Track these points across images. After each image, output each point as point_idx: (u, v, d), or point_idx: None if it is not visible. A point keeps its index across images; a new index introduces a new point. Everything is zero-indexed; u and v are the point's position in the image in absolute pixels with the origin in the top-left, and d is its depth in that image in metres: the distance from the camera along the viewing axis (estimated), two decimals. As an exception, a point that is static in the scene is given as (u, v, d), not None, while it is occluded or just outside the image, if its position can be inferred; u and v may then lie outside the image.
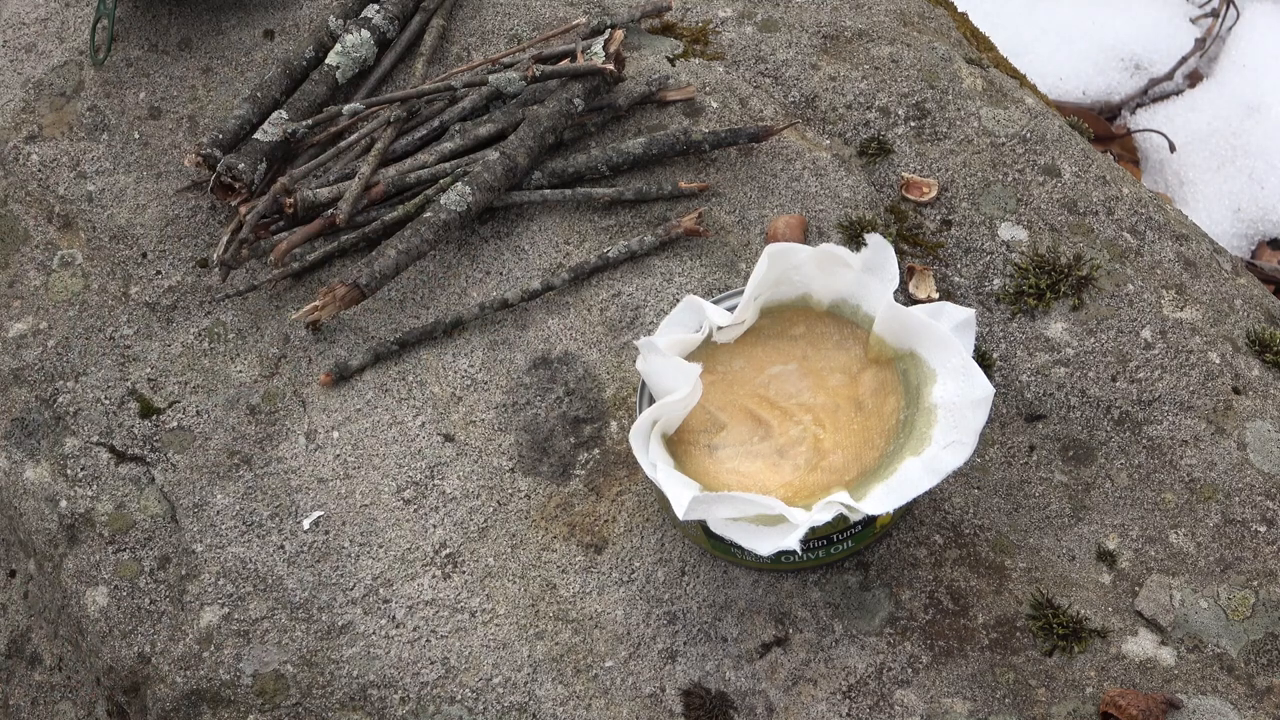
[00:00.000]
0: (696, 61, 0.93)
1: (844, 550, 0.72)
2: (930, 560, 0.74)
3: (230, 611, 0.74)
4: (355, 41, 0.93)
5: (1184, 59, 1.58)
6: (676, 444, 0.71)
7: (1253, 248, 1.45)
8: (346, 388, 0.81)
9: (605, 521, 0.75)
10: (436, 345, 0.82)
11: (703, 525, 0.70)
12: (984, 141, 0.89)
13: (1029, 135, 0.89)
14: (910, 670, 0.71)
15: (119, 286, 0.86)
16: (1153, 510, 0.76)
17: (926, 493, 0.67)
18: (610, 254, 0.83)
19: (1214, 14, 1.62)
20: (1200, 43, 1.60)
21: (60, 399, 0.82)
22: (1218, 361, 0.80)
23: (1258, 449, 0.77)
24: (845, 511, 0.65)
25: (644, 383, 0.73)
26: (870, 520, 0.70)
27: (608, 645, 0.72)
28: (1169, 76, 1.58)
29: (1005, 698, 0.70)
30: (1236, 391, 0.79)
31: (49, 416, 0.81)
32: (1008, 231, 0.85)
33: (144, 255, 0.88)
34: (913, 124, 0.90)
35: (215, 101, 0.94)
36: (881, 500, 0.66)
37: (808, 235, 0.84)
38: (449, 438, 0.79)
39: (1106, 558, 0.75)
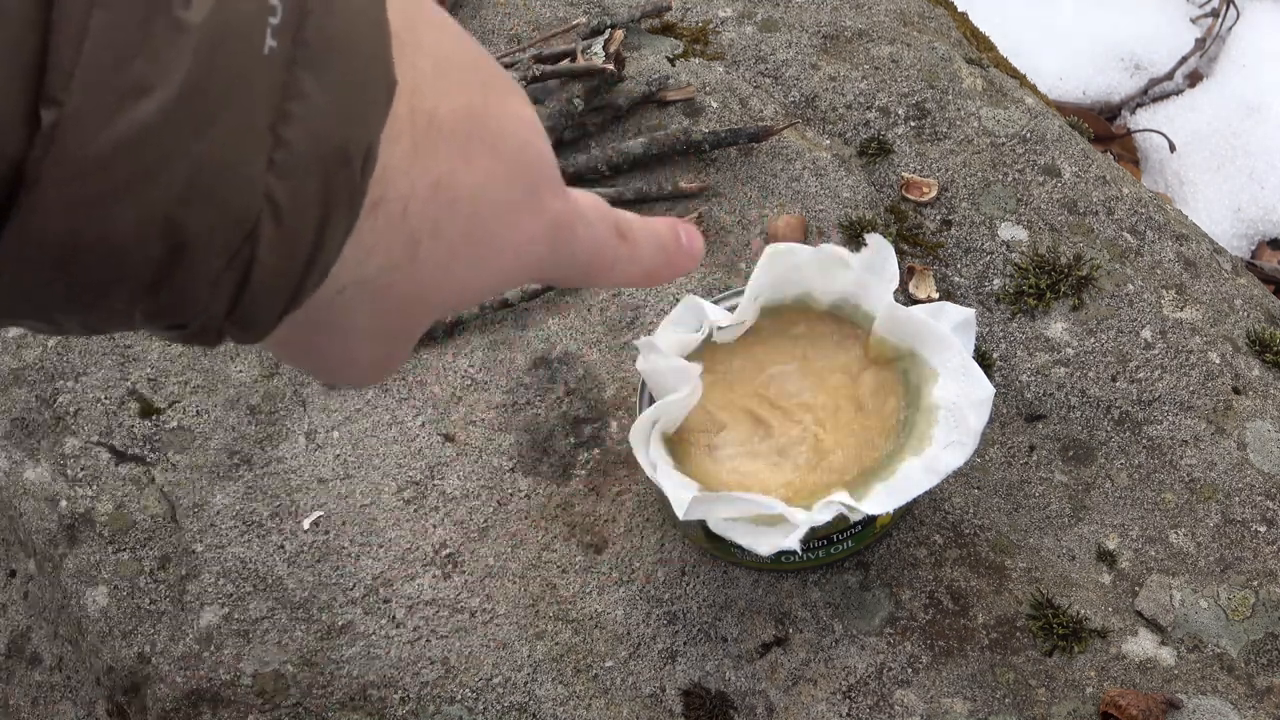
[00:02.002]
0: (696, 61, 0.93)
1: (844, 550, 0.72)
2: (930, 560, 0.74)
3: (230, 611, 0.74)
4: (355, 41, 0.93)
5: (1184, 59, 1.58)
6: (676, 444, 0.71)
7: (1253, 248, 1.45)
8: (346, 387, 0.81)
9: (605, 521, 0.75)
10: (436, 345, 0.82)
11: (703, 525, 0.70)
12: (984, 141, 0.89)
13: (1029, 135, 0.89)
14: (910, 670, 0.71)
15: (119, 286, 0.86)
16: (1153, 510, 0.76)
17: (926, 493, 0.67)
18: (610, 254, 0.83)
19: (1214, 14, 1.62)
20: (1200, 43, 1.60)
21: (60, 399, 0.82)
22: (1218, 361, 0.80)
23: (1258, 449, 0.77)
24: (845, 511, 0.65)
25: (644, 383, 0.73)
26: (870, 520, 0.70)
27: (608, 645, 0.72)
28: (1169, 76, 1.58)
29: (1005, 698, 0.70)
30: (1236, 391, 0.79)
31: (49, 416, 0.81)
32: (1008, 231, 0.85)
33: (144, 255, 0.87)
34: (913, 124, 0.90)
35: (215, 101, 0.94)
36: (882, 500, 0.66)
37: (808, 235, 0.84)
38: (449, 438, 0.79)
39: (1106, 558, 0.75)
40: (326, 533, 0.76)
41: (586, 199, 0.43)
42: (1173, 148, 1.50)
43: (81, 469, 0.79)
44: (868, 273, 0.73)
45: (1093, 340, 0.81)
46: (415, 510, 0.76)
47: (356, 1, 0.32)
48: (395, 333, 0.38)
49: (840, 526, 0.70)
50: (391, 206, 0.34)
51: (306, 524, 0.76)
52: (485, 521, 0.76)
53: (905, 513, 0.75)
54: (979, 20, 1.08)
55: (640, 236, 0.45)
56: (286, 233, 0.31)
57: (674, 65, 0.93)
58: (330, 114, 0.31)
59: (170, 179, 0.29)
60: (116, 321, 0.31)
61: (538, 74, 0.88)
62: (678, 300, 0.77)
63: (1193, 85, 1.58)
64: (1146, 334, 0.81)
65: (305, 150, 0.31)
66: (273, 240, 0.31)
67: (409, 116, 0.34)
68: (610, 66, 0.87)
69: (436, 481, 0.77)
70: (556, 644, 0.72)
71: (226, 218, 0.30)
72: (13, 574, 0.83)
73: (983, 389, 0.68)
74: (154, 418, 0.81)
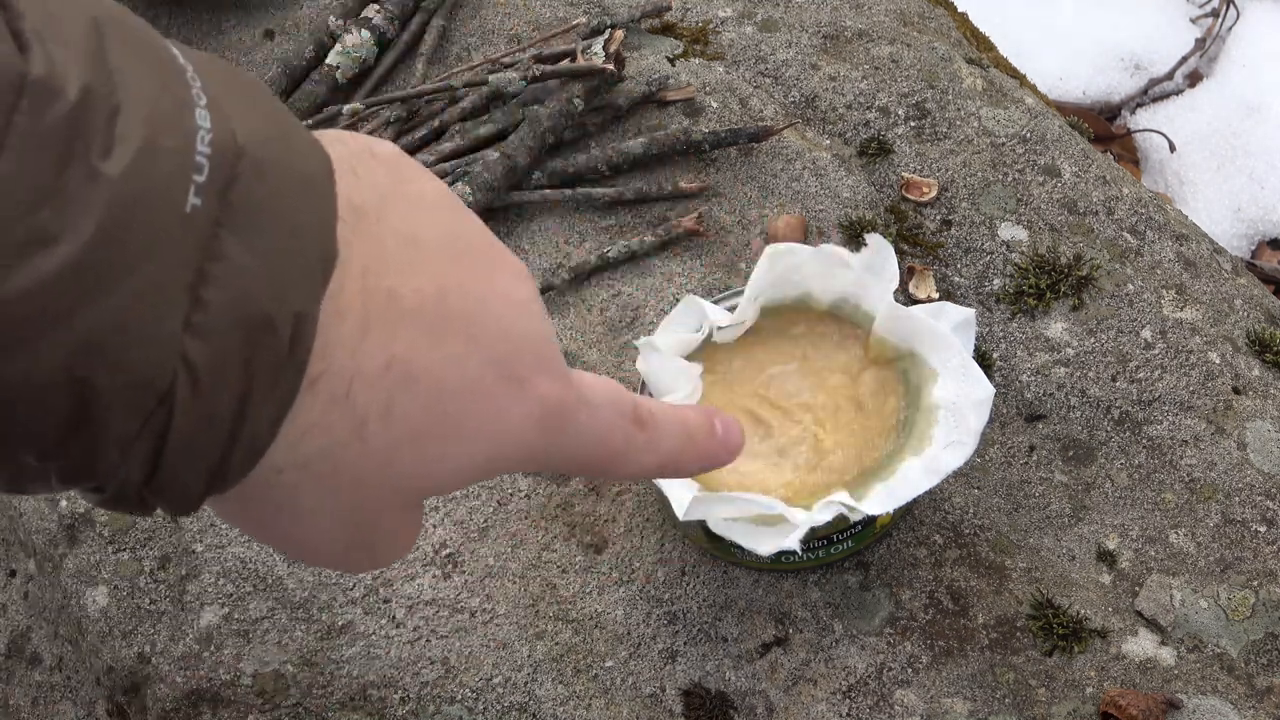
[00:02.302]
0: (696, 61, 0.93)
1: (844, 550, 0.72)
2: (930, 560, 0.74)
3: (230, 611, 0.74)
4: (355, 41, 0.93)
5: (1184, 59, 1.58)
6: (676, 444, 0.71)
7: (1253, 248, 1.45)
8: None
9: (605, 521, 0.75)
10: (436, 345, 0.82)
11: (703, 525, 0.70)
12: (984, 141, 0.89)
13: (1029, 135, 0.89)
14: (910, 670, 0.71)
15: (119, 286, 0.86)
16: (1153, 510, 0.76)
17: (926, 493, 0.67)
18: (610, 254, 0.83)
19: (1214, 14, 1.62)
20: (1200, 43, 1.60)
21: (60, 399, 0.82)
22: (1218, 361, 0.80)
23: (1258, 449, 0.77)
24: (845, 511, 0.65)
25: (644, 383, 0.73)
26: (870, 520, 0.70)
27: (608, 645, 0.72)
28: (1169, 76, 1.58)
29: (1005, 698, 0.70)
30: (1236, 391, 0.79)
31: (49, 416, 0.81)
32: (1008, 231, 0.85)
33: (144, 255, 0.87)
34: (913, 124, 0.90)
35: (215, 101, 0.94)
36: (881, 500, 0.66)
37: (808, 235, 0.84)
38: (449, 438, 0.79)
39: (1106, 558, 0.75)
40: (326, 533, 0.76)
41: (597, 383, 0.40)
42: (1173, 148, 1.50)
43: (81, 469, 0.79)
44: (868, 273, 0.73)
45: (1093, 340, 0.81)
46: (415, 510, 0.76)
47: (298, 168, 0.31)
48: (360, 515, 0.35)
49: (840, 526, 0.70)
50: (334, 383, 0.32)
51: (306, 524, 0.76)
52: (485, 521, 0.76)
53: (905, 513, 0.75)
54: (979, 20, 1.08)
55: (663, 423, 0.42)
56: (205, 398, 0.30)
57: (674, 65, 0.93)
58: (256, 278, 0.30)
59: (74, 332, 0.28)
60: (33, 479, 0.30)
61: (538, 74, 0.88)
62: (678, 300, 0.77)
63: (1193, 85, 1.58)
64: (1146, 334, 0.81)
65: (226, 313, 0.29)
66: (189, 406, 0.29)
67: (360, 291, 0.33)
68: (610, 66, 0.87)
69: (436, 481, 0.77)
70: (556, 644, 0.72)
71: (137, 376, 0.29)
72: (13, 574, 0.83)
73: (983, 389, 0.68)
74: (154, 418, 0.81)
